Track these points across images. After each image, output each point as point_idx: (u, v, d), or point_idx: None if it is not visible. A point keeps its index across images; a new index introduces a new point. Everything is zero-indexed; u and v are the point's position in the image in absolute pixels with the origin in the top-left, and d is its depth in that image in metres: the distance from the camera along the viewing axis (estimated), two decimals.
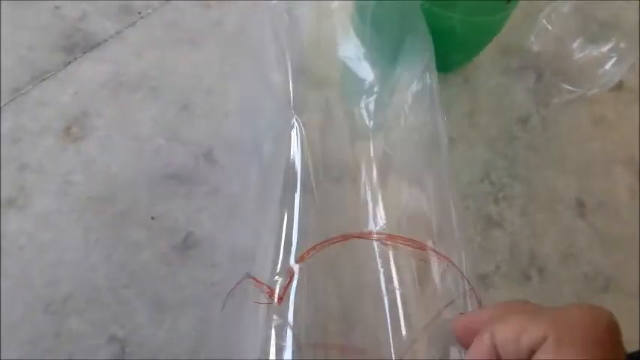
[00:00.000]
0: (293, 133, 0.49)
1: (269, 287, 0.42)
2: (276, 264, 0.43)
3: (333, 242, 0.44)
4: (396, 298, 0.42)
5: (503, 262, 0.57)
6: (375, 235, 0.45)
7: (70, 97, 0.60)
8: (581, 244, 0.59)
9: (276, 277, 0.42)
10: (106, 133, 0.59)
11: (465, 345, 0.35)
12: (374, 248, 0.44)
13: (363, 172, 0.49)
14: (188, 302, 0.52)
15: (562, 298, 0.55)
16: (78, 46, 0.63)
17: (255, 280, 0.43)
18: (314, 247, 0.44)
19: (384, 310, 0.42)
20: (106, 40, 0.64)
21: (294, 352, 0.39)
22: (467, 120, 0.66)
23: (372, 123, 0.52)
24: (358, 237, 0.45)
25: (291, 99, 0.50)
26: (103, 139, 0.58)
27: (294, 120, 0.49)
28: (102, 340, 0.49)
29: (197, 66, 0.64)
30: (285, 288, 0.42)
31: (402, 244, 0.44)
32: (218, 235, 0.55)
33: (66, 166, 0.56)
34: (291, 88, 0.51)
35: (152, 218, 0.55)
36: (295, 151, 0.48)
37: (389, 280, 0.43)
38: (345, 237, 0.44)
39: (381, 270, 0.43)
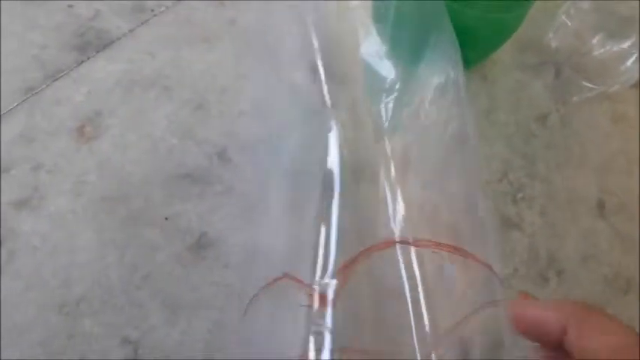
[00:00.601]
0: (331, 135, 0.48)
1: (316, 289, 0.42)
2: (322, 267, 0.42)
3: (387, 246, 0.44)
4: (423, 301, 0.42)
5: (522, 264, 0.56)
6: (414, 242, 0.44)
7: (83, 97, 0.60)
8: (602, 246, 0.58)
9: (325, 280, 0.42)
10: (120, 133, 0.58)
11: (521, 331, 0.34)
12: (405, 252, 0.44)
13: (384, 172, 0.49)
14: (202, 304, 0.51)
15: (581, 300, 0.54)
16: (91, 44, 0.63)
17: (300, 281, 0.43)
18: (366, 251, 0.43)
19: (411, 313, 0.41)
20: (119, 39, 0.64)
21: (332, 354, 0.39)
22: (485, 117, 0.65)
23: (391, 121, 0.52)
24: (407, 243, 0.45)
25: (327, 99, 0.50)
26: (117, 139, 0.58)
27: (332, 122, 0.49)
28: (115, 342, 0.49)
29: (211, 65, 0.64)
30: (339, 291, 0.41)
31: (438, 249, 0.44)
32: (232, 236, 0.55)
33: (80, 166, 0.56)
34: (325, 88, 0.50)
35: (166, 219, 0.54)
36: (333, 153, 0.48)
37: (415, 283, 0.43)
38: (389, 242, 0.44)
39: (415, 272, 0.43)
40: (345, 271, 0.42)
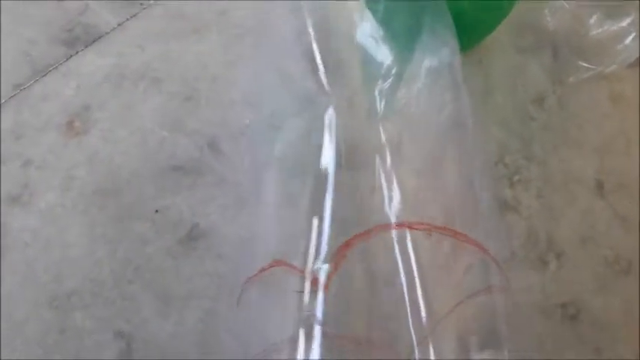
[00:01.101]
0: (327, 119, 0.48)
1: (309, 274, 0.42)
2: (315, 253, 0.42)
3: (381, 230, 0.43)
4: (418, 286, 0.41)
5: (519, 247, 0.55)
6: (409, 225, 0.44)
7: (72, 91, 0.60)
8: (601, 227, 0.56)
9: (317, 265, 0.41)
10: (109, 127, 0.58)
11: None
12: (400, 236, 0.43)
13: (379, 158, 0.48)
14: (194, 295, 0.51)
15: (581, 283, 0.53)
16: (79, 39, 0.63)
17: (293, 266, 0.42)
18: (359, 236, 0.43)
19: (406, 299, 0.41)
20: (108, 33, 0.63)
21: (321, 342, 0.39)
22: (480, 100, 0.64)
23: (386, 106, 0.51)
24: (402, 227, 0.44)
25: (325, 83, 0.49)
26: (106, 133, 0.58)
27: (330, 107, 0.48)
28: (107, 336, 0.49)
29: (201, 56, 0.63)
30: (332, 275, 0.41)
31: (438, 232, 0.44)
32: (224, 226, 0.54)
33: (69, 161, 0.56)
34: (322, 72, 0.50)
35: (156, 211, 0.54)
36: (329, 139, 0.47)
37: (411, 267, 0.42)
38: (384, 226, 0.44)
39: (410, 257, 0.43)
40: (339, 255, 0.42)
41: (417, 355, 0.39)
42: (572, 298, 0.52)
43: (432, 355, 0.39)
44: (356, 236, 0.43)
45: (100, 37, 0.63)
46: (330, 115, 0.48)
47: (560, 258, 0.55)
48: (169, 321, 0.49)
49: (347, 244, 0.43)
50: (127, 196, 0.55)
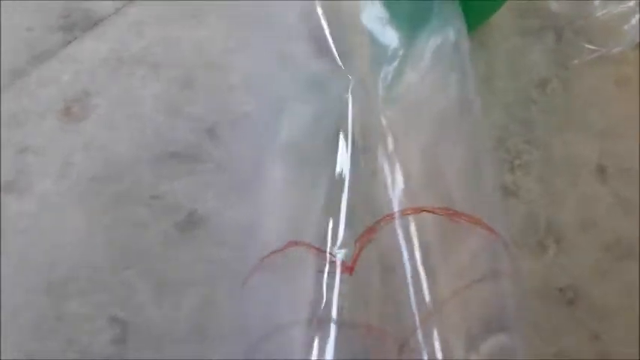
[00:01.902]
0: (350, 101, 0.47)
1: (333, 256, 0.42)
2: (335, 238, 0.42)
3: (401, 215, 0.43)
4: (424, 272, 0.41)
5: (519, 232, 0.54)
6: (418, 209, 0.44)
7: (70, 77, 0.59)
8: (602, 212, 0.56)
9: (338, 249, 0.41)
10: (107, 112, 0.58)
11: None
12: (403, 222, 0.43)
13: (382, 142, 0.48)
14: (191, 281, 0.51)
15: (581, 268, 0.53)
16: (77, 24, 0.62)
17: (318, 249, 0.42)
18: (383, 219, 0.43)
19: (410, 285, 0.41)
20: (105, 18, 0.63)
21: (337, 328, 0.39)
22: (482, 85, 0.63)
23: (391, 90, 0.50)
24: (418, 212, 0.44)
25: (340, 63, 0.49)
26: (104, 119, 0.58)
27: (349, 92, 0.48)
28: (103, 322, 0.49)
29: (200, 41, 0.63)
30: (356, 258, 0.41)
31: (446, 216, 0.43)
32: (222, 213, 0.54)
33: (67, 147, 0.56)
34: (335, 53, 0.49)
35: (154, 197, 0.54)
36: (349, 121, 0.47)
37: (414, 253, 0.42)
38: (403, 212, 0.43)
39: (413, 244, 0.42)
40: (363, 239, 0.42)
41: (420, 337, 0.39)
42: (570, 282, 0.52)
43: (435, 339, 0.39)
44: (378, 221, 0.43)
45: (97, 23, 0.62)
46: (348, 98, 0.48)
47: (560, 243, 0.54)
48: (165, 308, 0.50)
49: (371, 230, 0.42)
50: (125, 182, 0.55)
